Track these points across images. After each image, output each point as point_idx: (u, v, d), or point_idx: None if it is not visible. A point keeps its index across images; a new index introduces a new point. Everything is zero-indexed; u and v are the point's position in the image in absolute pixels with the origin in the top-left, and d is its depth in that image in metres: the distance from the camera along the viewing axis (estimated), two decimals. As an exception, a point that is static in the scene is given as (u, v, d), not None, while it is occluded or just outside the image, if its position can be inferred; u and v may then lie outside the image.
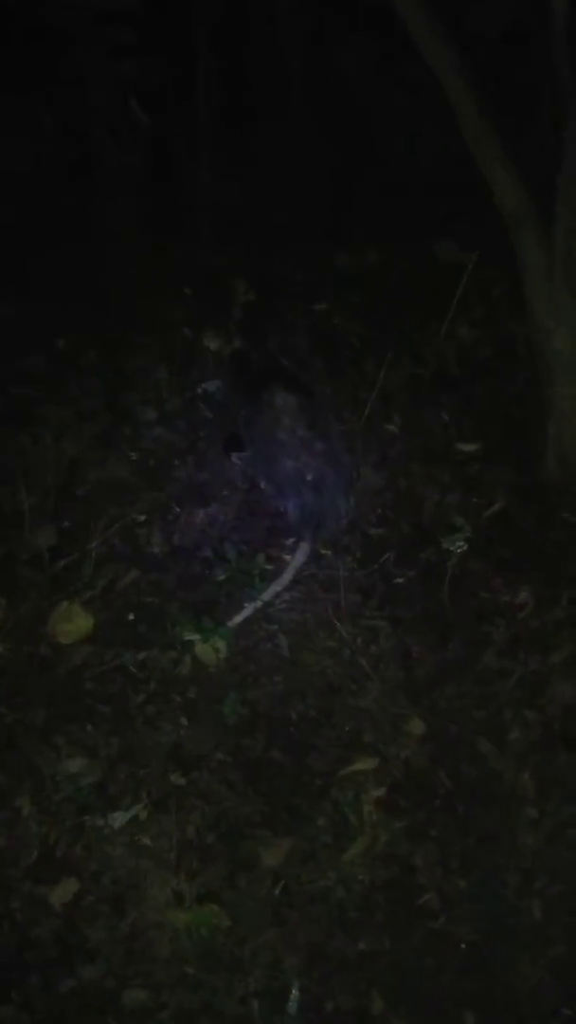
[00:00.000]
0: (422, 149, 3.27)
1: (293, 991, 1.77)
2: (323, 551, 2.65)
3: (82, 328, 3.31)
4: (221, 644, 2.38)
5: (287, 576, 2.56)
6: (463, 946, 1.84)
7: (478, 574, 2.52)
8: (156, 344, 3.29)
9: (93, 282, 3.41)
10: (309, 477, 2.65)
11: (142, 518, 2.76)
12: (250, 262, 3.54)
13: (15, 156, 3.55)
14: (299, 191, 3.59)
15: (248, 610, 2.47)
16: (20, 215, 3.53)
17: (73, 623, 2.44)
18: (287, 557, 2.64)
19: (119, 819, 2.03)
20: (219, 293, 3.43)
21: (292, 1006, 1.76)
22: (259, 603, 2.47)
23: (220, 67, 3.69)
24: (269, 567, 2.60)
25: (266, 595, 2.50)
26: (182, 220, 3.50)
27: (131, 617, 2.50)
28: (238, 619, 2.46)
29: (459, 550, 2.56)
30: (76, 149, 3.62)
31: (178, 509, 2.77)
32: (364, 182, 3.48)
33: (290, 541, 2.68)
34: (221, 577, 2.58)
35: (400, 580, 2.56)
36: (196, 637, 2.40)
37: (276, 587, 2.53)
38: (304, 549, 2.61)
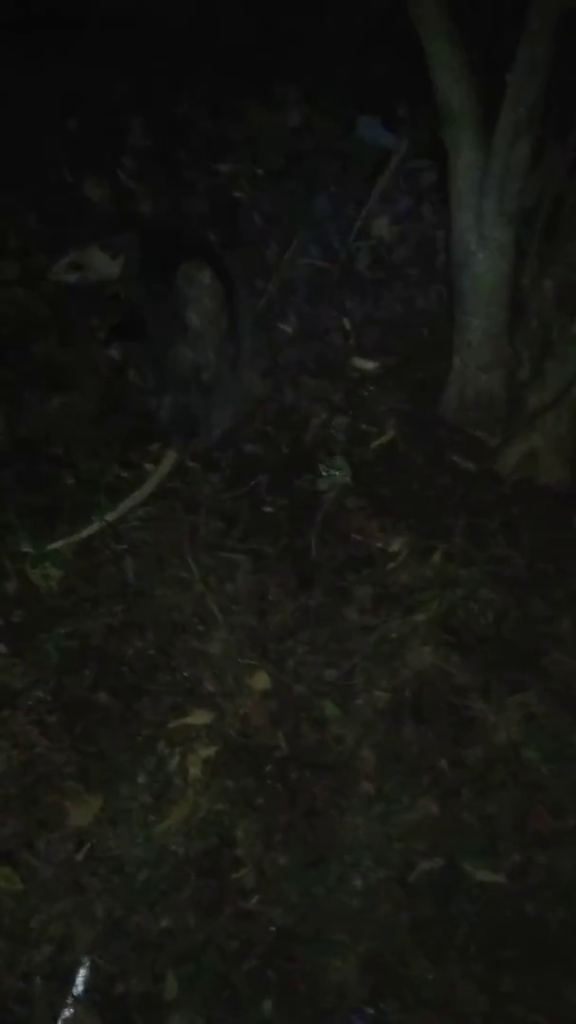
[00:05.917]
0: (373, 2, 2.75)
1: (82, 970, 1.64)
2: (190, 464, 2.37)
3: None
4: (57, 563, 2.11)
5: (147, 489, 2.28)
6: (273, 929, 1.73)
7: (354, 514, 2.31)
8: (27, 183, 2.79)
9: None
10: (205, 376, 2.32)
11: (-16, 399, 2.40)
12: (152, 98, 3.01)
13: None
14: (221, 21, 3.03)
15: (94, 526, 2.20)
16: None
17: None
18: (148, 466, 2.35)
19: None
20: (110, 133, 2.92)
21: (79, 987, 1.62)
22: (107, 520, 2.19)
23: None
24: (125, 475, 2.31)
25: (118, 511, 2.22)
26: (72, 36, 2.90)
27: (-43, 517, 2.19)
28: (83, 534, 2.19)
29: (338, 483, 2.34)
30: None
31: (28, 393, 2.41)
32: (299, 26, 2.95)
33: (155, 447, 2.38)
34: (69, 482, 2.28)
35: (269, 509, 2.32)
36: (30, 551, 2.12)
37: (131, 502, 2.26)
38: (171, 458, 2.33)
